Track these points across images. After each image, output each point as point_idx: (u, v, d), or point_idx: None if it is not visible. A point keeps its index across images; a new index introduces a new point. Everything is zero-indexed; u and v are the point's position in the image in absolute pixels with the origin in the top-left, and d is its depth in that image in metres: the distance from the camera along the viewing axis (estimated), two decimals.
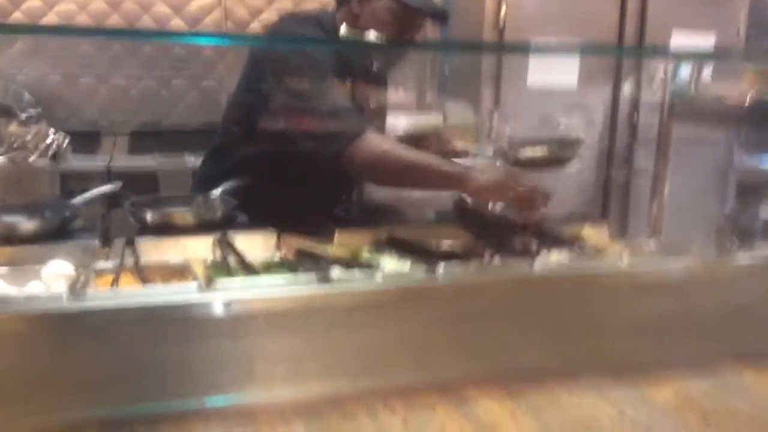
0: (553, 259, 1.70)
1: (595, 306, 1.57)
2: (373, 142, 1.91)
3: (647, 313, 1.60)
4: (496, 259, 1.66)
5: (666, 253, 1.75)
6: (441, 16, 2.11)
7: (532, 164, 1.88)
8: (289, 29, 2.13)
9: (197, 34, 1.92)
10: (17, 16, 3.54)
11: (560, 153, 1.86)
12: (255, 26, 3.98)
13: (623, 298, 1.58)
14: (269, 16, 3.95)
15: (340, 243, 1.78)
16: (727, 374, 1.57)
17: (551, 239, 1.82)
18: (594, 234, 1.77)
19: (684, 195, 2.76)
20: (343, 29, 2.08)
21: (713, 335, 1.65)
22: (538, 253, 1.72)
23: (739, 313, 1.68)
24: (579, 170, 3.92)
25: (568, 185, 3.90)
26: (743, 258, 1.72)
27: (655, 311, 1.61)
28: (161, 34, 1.82)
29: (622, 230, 3.97)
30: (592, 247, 1.74)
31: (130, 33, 1.99)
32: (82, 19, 3.60)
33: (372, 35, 2.02)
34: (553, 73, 3.86)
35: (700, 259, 1.70)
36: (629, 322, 1.58)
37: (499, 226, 1.88)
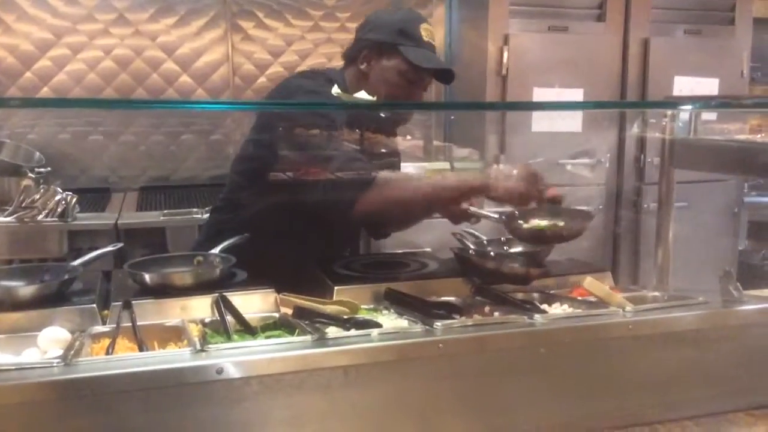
0: (555, 311, 1.67)
1: (599, 360, 1.54)
2: (383, 185, 1.95)
3: (653, 366, 1.57)
4: (497, 314, 1.65)
5: (672, 302, 1.71)
6: (447, 75, 2.17)
7: (539, 238, 1.87)
8: (299, 84, 2.17)
9: (218, 103, 1.95)
10: (28, 77, 3.64)
11: (570, 225, 1.85)
12: (262, 81, 4.04)
13: (628, 351, 1.55)
14: (275, 70, 4.01)
15: (339, 299, 1.76)
16: (740, 428, 1.52)
17: (553, 291, 1.80)
18: (596, 284, 1.74)
19: (694, 236, 2.73)
20: (351, 86, 2.13)
21: (723, 387, 1.61)
22: (539, 305, 1.70)
23: (750, 363, 1.64)
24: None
25: None
26: (753, 303, 1.68)
27: (661, 364, 1.58)
28: (182, 102, 1.86)
29: (631, 277, 3.94)
30: (595, 299, 1.71)
31: (152, 103, 2.02)
32: (92, 78, 3.68)
33: (381, 93, 2.06)
34: (558, 118, 3.88)
35: (708, 307, 1.67)
36: (635, 375, 1.55)
37: (499, 277, 1.86)
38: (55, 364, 1.26)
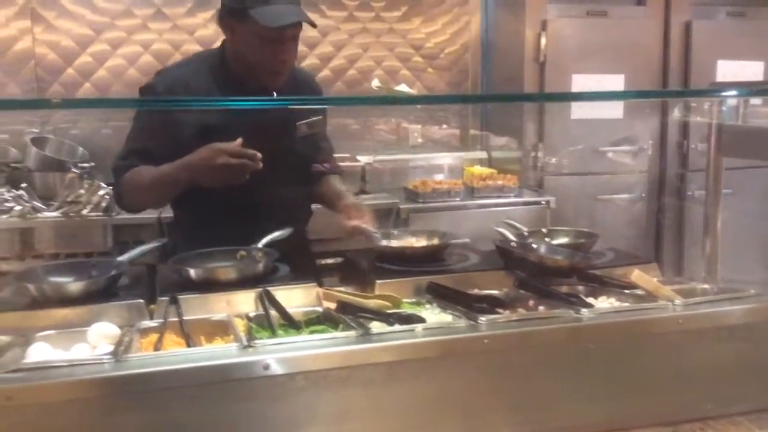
0: (602, 305, 1.65)
1: (648, 355, 1.51)
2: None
3: (704, 361, 1.54)
4: (541, 308, 1.63)
5: (722, 294, 1.67)
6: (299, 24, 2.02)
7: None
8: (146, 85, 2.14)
9: (253, 100, 1.92)
10: (70, 73, 3.69)
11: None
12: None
13: (678, 346, 1.52)
14: (311, 62, 4.00)
15: (381, 293, 1.76)
16: None
17: (599, 284, 1.77)
18: (644, 277, 1.70)
19: (741, 224, 2.66)
20: (230, 57, 2.08)
21: None
22: (585, 299, 1.67)
23: None
24: (629, 202, 3.86)
25: (618, 218, 3.82)
26: None
27: (712, 358, 1.54)
28: (221, 100, 1.85)
29: (675, 267, 3.86)
30: (643, 292, 1.68)
31: (189, 101, 2.01)
32: (131, 73, 3.72)
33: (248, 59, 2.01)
34: (598, 105, 3.81)
35: (760, 300, 1.62)
36: (685, 371, 1.51)
37: (543, 270, 1.83)
38: (106, 361, 1.28)
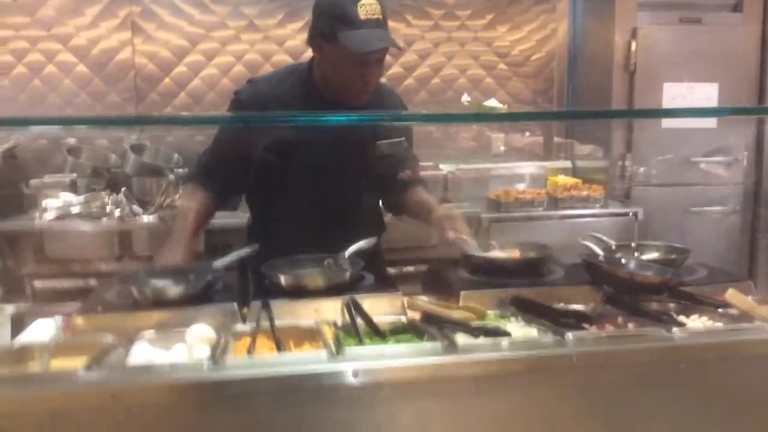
0: (694, 324, 1.60)
1: (742, 378, 1.46)
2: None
3: None
4: (630, 325, 1.60)
5: None
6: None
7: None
8: (262, 87, 2.21)
9: (341, 115, 1.97)
10: (167, 83, 3.87)
11: None
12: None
13: None
14: (395, 71, 4.05)
15: (466, 304, 1.77)
16: None
17: (691, 302, 1.72)
18: (739, 296, 1.64)
19: None
20: (317, 74, 2.11)
21: None
22: (676, 317, 1.63)
23: None
24: (722, 215, 3.71)
25: (710, 231, 3.68)
26: None
27: None
28: (306, 116, 1.91)
29: None
30: (737, 311, 1.62)
31: (277, 118, 2.09)
32: (225, 83, 3.87)
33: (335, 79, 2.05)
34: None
35: None
36: None
37: (632, 286, 1.80)
38: (205, 364, 1.35)
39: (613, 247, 2.11)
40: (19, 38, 3.72)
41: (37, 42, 3.74)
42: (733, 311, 1.63)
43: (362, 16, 1.93)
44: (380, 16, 1.96)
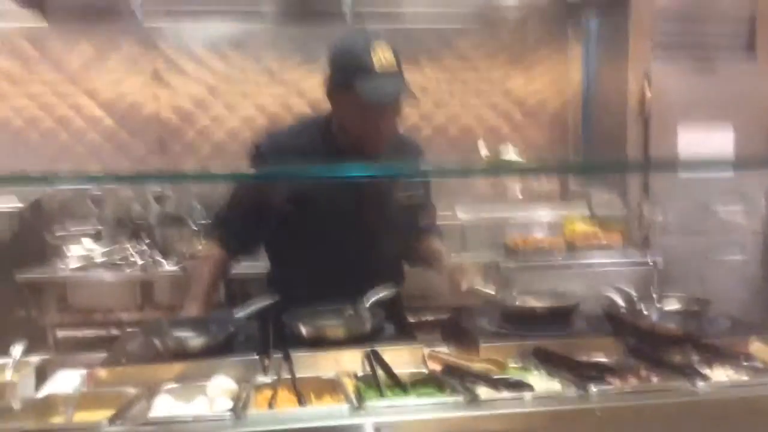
0: (718, 377, 1.58)
1: None
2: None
3: None
4: (654, 378, 1.58)
5: None
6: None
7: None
8: (280, 139, 2.25)
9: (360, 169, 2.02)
10: (191, 135, 3.95)
11: None
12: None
13: None
14: (413, 122, 4.10)
15: (486, 356, 1.77)
16: None
17: (714, 354, 1.70)
18: (764, 348, 1.63)
19: None
20: (335, 124, 2.14)
21: None
22: (700, 370, 1.61)
23: None
24: (742, 263, 3.67)
25: (731, 280, 3.64)
26: None
27: None
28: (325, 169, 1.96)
29: None
30: (762, 364, 1.61)
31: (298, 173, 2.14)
32: (247, 136, 3.94)
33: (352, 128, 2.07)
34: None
35: None
36: None
37: (655, 337, 1.79)
38: (227, 417, 1.35)
39: (635, 299, 2.10)
40: (47, 93, 3.83)
41: (65, 96, 3.84)
42: (758, 364, 1.61)
43: (377, 66, 1.95)
44: (395, 66, 1.99)
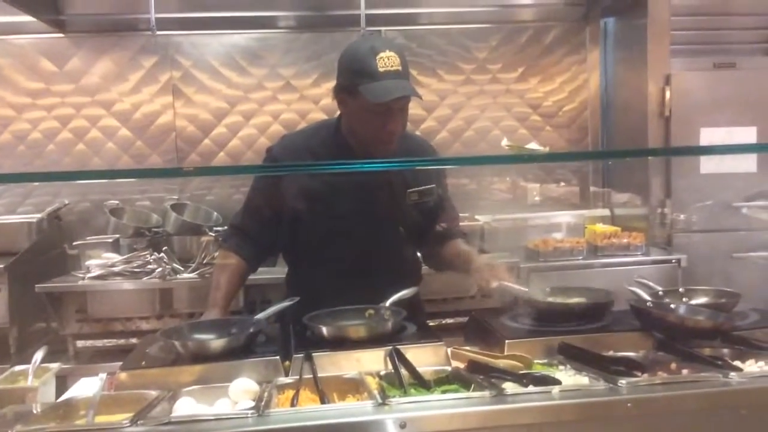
0: (751, 369, 1.54)
1: None
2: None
3: None
4: (685, 371, 1.54)
5: None
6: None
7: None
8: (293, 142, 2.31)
9: (376, 163, 2.06)
10: (206, 143, 3.97)
11: None
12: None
13: None
14: (429, 125, 4.09)
15: (512, 353, 1.73)
16: None
17: (746, 346, 1.66)
18: None
19: None
20: (344, 127, 2.19)
21: None
22: (732, 362, 1.57)
23: None
24: (766, 260, 3.60)
25: (756, 277, 3.57)
26: None
27: None
28: (344, 164, 1.97)
29: None
30: None
31: (314, 166, 2.16)
32: (262, 142, 3.94)
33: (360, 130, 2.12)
34: (729, 159, 3.63)
35: None
36: None
37: (684, 331, 1.74)
38: (249, 415, 1.33)
39: (661, 293, 2.06)
40: (65, 105, 3.86)
41: (81, 108, 3.87)
42: None
43: (381, 69, 2.00)
44: (399, 68, 2.03)
